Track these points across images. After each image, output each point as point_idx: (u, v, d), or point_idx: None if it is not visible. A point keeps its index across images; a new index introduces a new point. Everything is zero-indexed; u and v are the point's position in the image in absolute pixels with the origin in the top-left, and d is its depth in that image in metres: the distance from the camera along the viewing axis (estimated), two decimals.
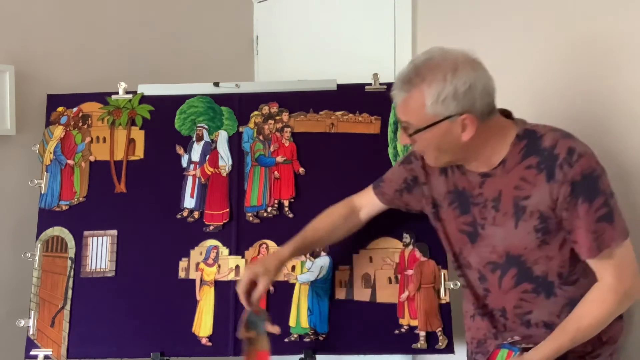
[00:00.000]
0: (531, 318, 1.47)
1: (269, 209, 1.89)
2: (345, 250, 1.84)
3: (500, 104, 1.41)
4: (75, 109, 2.01)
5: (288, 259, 1.67)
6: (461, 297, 1.66)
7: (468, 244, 1.51)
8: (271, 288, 1.83)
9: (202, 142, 1.96)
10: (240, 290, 1.57)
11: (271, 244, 1.87)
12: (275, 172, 1.92)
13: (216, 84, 2.01)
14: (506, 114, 1.43)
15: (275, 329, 1.62)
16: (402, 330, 1.77)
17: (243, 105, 2.00)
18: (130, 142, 1.98)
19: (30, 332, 1.83)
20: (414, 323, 1.77)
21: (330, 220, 1.71)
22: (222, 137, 1.97)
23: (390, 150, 1.91)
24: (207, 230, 1.89)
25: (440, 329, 1.76)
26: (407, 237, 1.83)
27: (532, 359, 1.38)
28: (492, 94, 1.35)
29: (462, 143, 1.35)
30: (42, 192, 1.93)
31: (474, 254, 1.50)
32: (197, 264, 1.86)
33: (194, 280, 1.85)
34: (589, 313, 1.37)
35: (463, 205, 1.49)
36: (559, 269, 1.41)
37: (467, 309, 1.64)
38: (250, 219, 1.89)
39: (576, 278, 1.42)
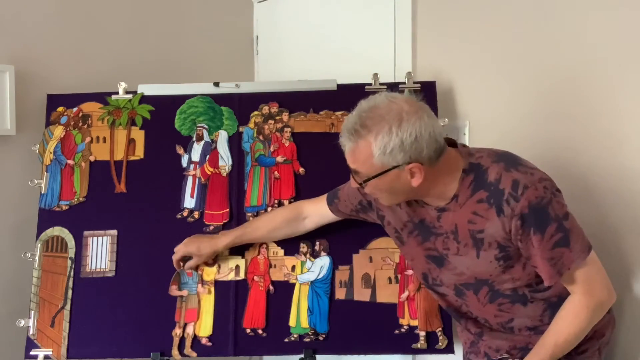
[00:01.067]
0: (514, 325, 1.50)
1: (269, 209, 1.89)
2: (345, 250, 1.84)
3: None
4: (75, 109, 2.01)
5: (222, 250, 1.82)
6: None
7: (436, 268, 1.53)
8: (271, 288, 1.83)
9: (202, 142, 1.96)
10: (175, 259, 1.81)
11: (271, 244, 1.87)
12: (275, 172, 1.92)
13: (216, 84, 2.01)
14: (450, 142, 1.44)
15: (204, 290, 1.82)
16: (402, 330, 1.77)
17: (243, 105, 2.00)
18: (130, 142, 1.98)
19: (30, 332, 1.83)
20: (414, 323, 1.77)
21: (272, 223, 1.80)
22: (222, 137, 1.97)
23: None
24: (207, 230, 1.89)
25: (440, 329, 1.76)
26: None
27: None
28: (439, 139, 1.35)
29: (413, 187, 1.37)
30: (42, 192, 1.93)
31: (445, 275, 1.52)
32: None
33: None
34: (565, 328, 1.39)
35: (424, 234, 1.51)
36: (527, 283, 1.44)
37: (452, 316, 1.65)
38: (251, 219, 1.89)
39: (548, 287, 1.44)
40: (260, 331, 1.80)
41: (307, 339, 1.79)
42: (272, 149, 1.94)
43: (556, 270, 1.34)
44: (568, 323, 1.39)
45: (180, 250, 1.80)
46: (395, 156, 1.31)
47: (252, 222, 1.83)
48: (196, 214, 1.90)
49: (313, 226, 1.79)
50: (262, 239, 1.83)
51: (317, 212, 1.76)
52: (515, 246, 1.37)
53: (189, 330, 1.80)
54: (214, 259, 1.85)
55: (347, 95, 1.95)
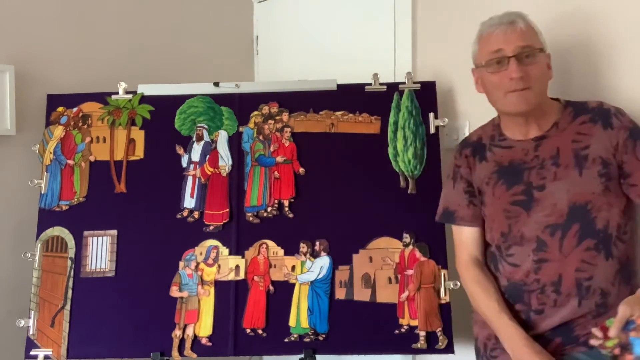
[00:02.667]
0: (591, 284, 1.45)
1: (269, 209, 1.89)
2: (345, 250, 1.84)
3: None
4: (75, 109, 2.01)
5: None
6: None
7: (522, 214, 1.51)
8: (271, 288, 1.83)
9: (202, 142, 1.96)
10: None
11: (271, 244, 1.87)
12: (275, 172, 1.92)
13: (216, 84, 2.01)
14: None
15: (204, 292, 1.81)
16: (402, 330, 1.77)
17: (243, 105, 1.99)
18: (130, 142, 1.98)
19: (30, 332, 1.83)
20: (414, 323, 1.77)
21: (497, 294, 1.57)
22: (222, 137, 1.97)
23: (390, 150, 1.91)
24: (207, 230, 1.89)
25: (440, 329, 1.76)
26: (407, 237, 1.83)
27: None
28: None
29: (547, 83, 1.49)
30: (42, 192, 1.93)
31: (530, 223, 1.50)
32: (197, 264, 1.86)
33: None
34: None
35: (512, 177, 1.53)
36: (618, 219, 1.46)
37: (510, 296, 1.55)
38: (250, 219, 1.89)
39: (628, 236, 1.47)
40: (260, 331, 1.80)
41: (307, 339, 1.79)
42: (272, 149, 1.94)
43: None
44: None
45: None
46: (544, 40, 1.49)
47: (502, 310, 1.54)
48: (196, 214, 1.90)
49: (483, 254, 1.64)
50: None
51: (479, 248, 1.63)
52: (617, 162, 1.44)
53: (189, 331, 1.80)
54: (214, 259, 1.86)
55: (347, 95, 1.97)
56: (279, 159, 1.93)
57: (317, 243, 1.85)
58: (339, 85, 2.00)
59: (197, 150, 1.96)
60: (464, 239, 1.65)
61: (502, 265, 1.56)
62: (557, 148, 1.49)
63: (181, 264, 1.86)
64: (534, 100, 1.47)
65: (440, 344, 1.76)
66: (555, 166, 1.48)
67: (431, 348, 1.76)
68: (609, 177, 1.44)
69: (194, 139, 1.97)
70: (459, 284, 1.76)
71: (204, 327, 1.81)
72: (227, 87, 2.01)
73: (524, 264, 1.52)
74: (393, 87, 1.97)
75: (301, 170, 1.92)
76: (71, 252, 1.88)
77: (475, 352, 1.66)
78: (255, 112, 1.98)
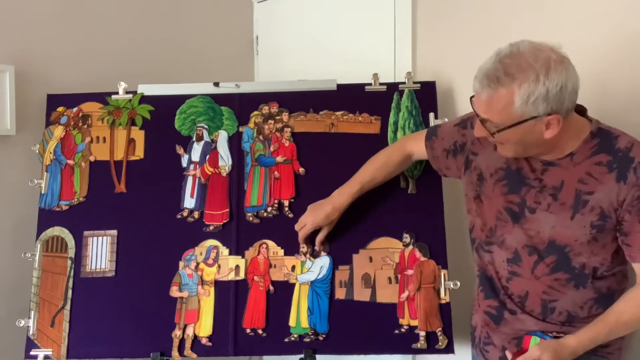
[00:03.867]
0: (556, 306, 1.46)
1: (269, 209, 1.89)
2: (345, 250, 1.84)
3: None
4: (75, 109, 2.01)
5: (346, 206, 1.77)
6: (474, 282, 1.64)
7: (509, 222, 1.49)
8: (271, 288, 1.83)
9: (202, 142, 1.96)
10: (303, 235, 1.80)
11: (271, 244, 1.87)
12: (275, 172, 1.92)
13: (216, 84, 2.01)
14: (581, 110, 1.42)
15: (204, 292, 1.81)
16: (402, 330, 1.77)
17: (243, 105, 2.00)
18: (130, 142, 1.98)
19: (30, 332, 1.83)
20: (414, 323, 1.77)
21: (387, 168, 1.77)
22: (222, 137, 1.97)
23: None
24: (207, 230, 1.89)
25: (440, 329, 1.76)
26: (407, 237, 1.84)
27: (569, 344, 1.37)
28: (577, 91, 1.32)
29: (543, 139, 1.35)
30: (42, 192, 1.93)
31: (514, 234, 1.48)
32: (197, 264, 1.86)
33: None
34: (630, 309, 1.39)
35: (513, 184, 1.48)
36: (597, 265, 1.42)
37: (483, 288, 1.59)
38: (250, 219, 1.89)
39: (609, 274, 1.44)
40: (260, 331, 1.80)
41: (307, 339, 1.79)
42: (272, 149, 1.94)
43: None
44: (636, 304, 1.39)
45: (309, 222, 1.77)
46: (537, 106, 1.28)
47: (364, 172, 1.78)
48: (196, 214, 1.90)
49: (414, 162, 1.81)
50: (377, 185, 1.80)
51: (419, 149, 1.74)
52: (618, 217, 1.36)
53: (189, 331, 1.80)
54: (214, 259, 1.86)
55: (347, 95, 1.97)
56: (279, 159, 1.93)
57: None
58: (339, 85, 2.00)
59: (197, 150, 1.96)
60: (421, 145, 1.72)
61: (479, 255, 1.59)
62: (562, 181, 1.41)
63: (181, 264, 1.86)
64: (521, 152, 1.42)
65: (440, 344, 1.76)
66: (553, 198, 1.42)
67: (431, 348, 1.76)
68: (601, 229, 1.38)
69: (194, 139, 1.97)
70: (459, 283, 1.77)
71: (204, 327, 1.81)
72: (227, 87, 2.01)
73: (499, 269, 1.54)
74: (393, 87, 1.97)
75: (301, 170, 1.92)
76: (71, 252, 1.88)
77: (471, 341, 1.68)
78: (255, 112, 1.98)
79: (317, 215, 1.76)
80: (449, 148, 1.65)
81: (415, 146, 1.75)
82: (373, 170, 1.77)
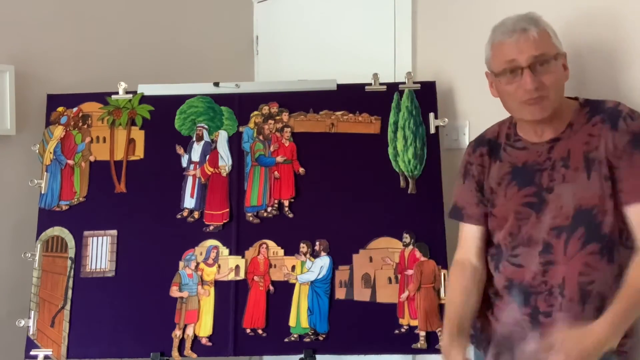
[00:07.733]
0: (592, 289, 1.45)
1: (269, 209, 1.89)
2: (345, 250, 1.84)
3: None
4: (75, 109, 2.01)
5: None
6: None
7: (532, 216, 1.50)
8: (271, 288, 1.83)
9: (202, 142, 1.97)
10: None
11: (271, 244, 1.87)
12: (275, 172, 1.92)
13: (216, 84, 2.01)
14: None
15: (204, 292, 1.81)
16: (402, 330, 1.77)
17: (243, 105, 2.00)
18: (130, 142, 1.98)
19: (30, 332, 1.83)
20: (414, 323, 1.77)
21: (472, 297, 1.59)
22: (222, 137, 1.97)
23: (390, 150, 1.91)
24: (207, 230, 1.89)
25: (440, 329, 1.76)
26: (407, 237, 1.84)
27: (594, 329, 1.33)
28: None
29: (563, 86, 1.47)
30: (42, 192, 1.93)
31: (538, 225, 1.49)
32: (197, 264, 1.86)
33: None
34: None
35: (524, 179, 1.52)
36: (621, 224, 1.44)
37: (515, 298, 1.54)
38: (250, 219, 1.89)
39: (631, 243, 1.44)
40: (260, 331, 1.80)
41: (307, 339, 1.79)
42: (272, 149, 1.94)
43: None
44: None
45: None
46: (559, 41, 1.47)
47: (454, 309, 1.58)
48: (196, 214, 1.90)
49: (482, 258, 1.64)
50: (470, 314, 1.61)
51: (476, 249, 1.62)
52: (613, 165, 1.42)
53: (189, 331, 1.80)
54: (214, 259, 1.86)
55: (347, 95, 1.97)
56: (279, 159, 1.93)
57: (317, 243, 1.85)
58: (339, 85, 2.00)
59: (197, 150, 1.96)
60: (465, 235, 1.64)
61: (504, 265, 1.55)
62: (569, 150, 1.47)
63: (181, 264, 1.86)
64: (550, 108, 1.46)
65: (440, 344, 1.76)
66: (565, 168, 1.46)
67: (431, 348, 1.76)
68: (614, 180, 1.42)
69: (194, 139, 1.97)
70: None
71: (204, 327, 1.81)
72: (227, 87, 2.01)
73: (530, 266, 1.51)
74: (393, 87, 1.97)
75: (301, 170, 1.92)
76: (71, 252, 1.88)
77: (471, 336, 1.66)
78: (255, 112, 1.98)
79: None
80: (477, 196, 1.61)
81: (471, 251, 1.62)
82: (457, 304, 1.58)
